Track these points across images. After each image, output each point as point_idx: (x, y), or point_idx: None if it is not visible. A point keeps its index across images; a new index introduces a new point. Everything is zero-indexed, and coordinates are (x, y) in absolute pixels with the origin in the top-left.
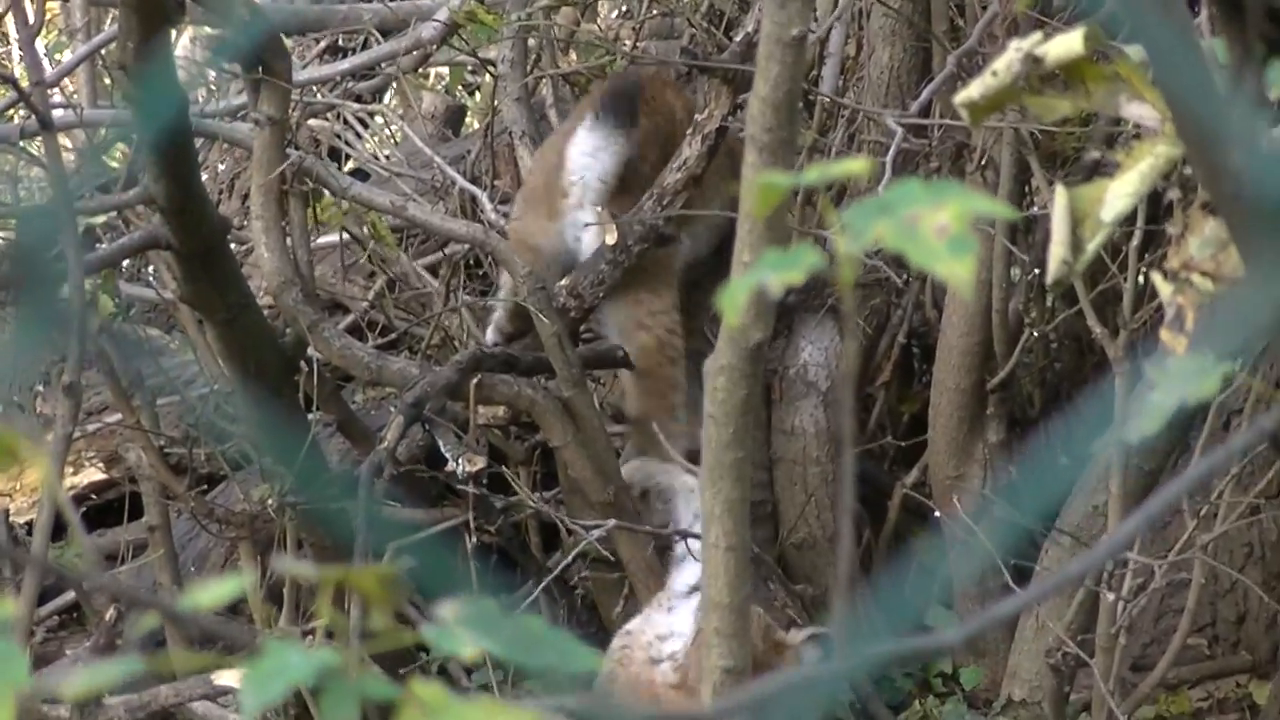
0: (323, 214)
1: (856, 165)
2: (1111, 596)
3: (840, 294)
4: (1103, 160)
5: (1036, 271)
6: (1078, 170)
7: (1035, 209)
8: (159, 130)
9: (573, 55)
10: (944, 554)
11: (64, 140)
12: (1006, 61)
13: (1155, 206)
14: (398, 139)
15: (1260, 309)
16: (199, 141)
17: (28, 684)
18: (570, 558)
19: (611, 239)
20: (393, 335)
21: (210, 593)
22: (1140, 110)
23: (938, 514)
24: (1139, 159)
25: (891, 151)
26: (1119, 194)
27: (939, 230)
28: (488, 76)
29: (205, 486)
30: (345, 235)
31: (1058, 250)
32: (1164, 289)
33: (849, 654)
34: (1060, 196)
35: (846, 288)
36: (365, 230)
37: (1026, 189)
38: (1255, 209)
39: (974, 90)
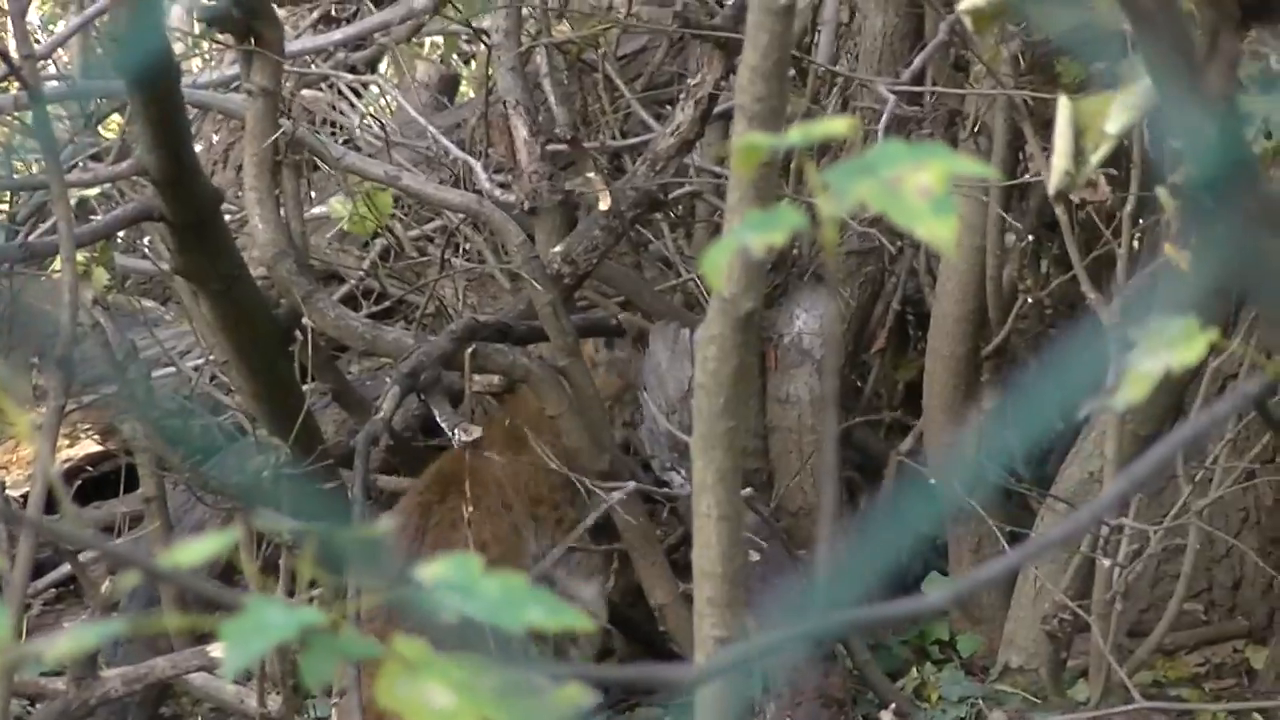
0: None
1: (839, 125)
2: (1107, 562)
3: (828, 256)
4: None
5: (1031, 238)
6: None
7: (1029, 175)
8: (141, 72)
9: (566, 24)
10: (938, 518)
11: (57, 111)
12: None
13: (1150, 174)
14: (392, 109)
15: (1193, 286)
16: (192, 113)
17: (11, 638)
18: (592, 519)
19: (605, 204)
20: (388, 303)
21: (194, 550)
22: None
23: (932, 481)
24: (1145, 74)
25: (884, 119)
26: (1124, 106)
27: (922, 191)
28: (483, 46)
29: (202, 458)
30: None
31: (1060, 161)
32: (1169, 203)
33: (824, 617)
34: (1063, 108)
35: (830, 248)
36: (361, 202)
37: (1020, 155)
38: (1188, 188)
39: None
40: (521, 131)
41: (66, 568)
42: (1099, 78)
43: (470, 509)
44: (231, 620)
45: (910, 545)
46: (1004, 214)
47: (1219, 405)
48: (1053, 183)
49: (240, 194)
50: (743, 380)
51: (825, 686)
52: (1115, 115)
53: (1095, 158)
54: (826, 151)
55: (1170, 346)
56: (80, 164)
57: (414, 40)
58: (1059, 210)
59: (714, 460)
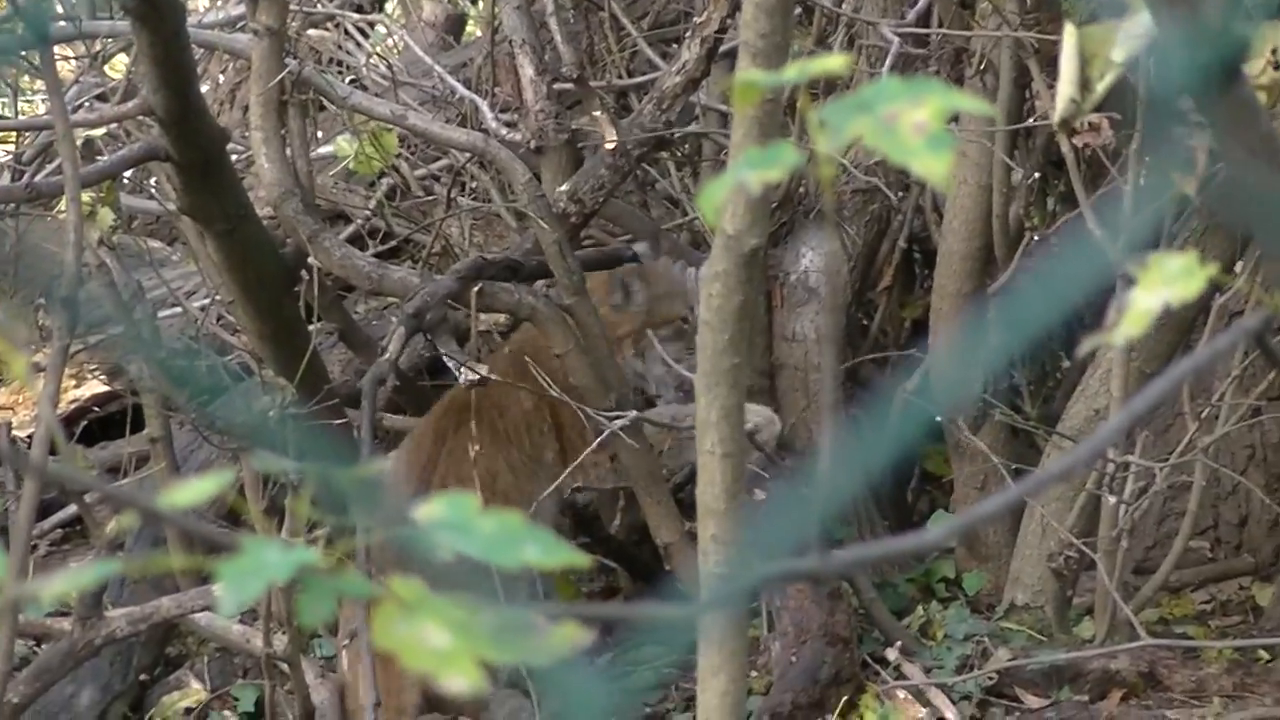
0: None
1: (835, 62)
2: (1113, 500)
3: (826, 194)
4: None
5: (1037, 175)
6: None
7: (1034, 116)
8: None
9: None
10: (932, 440)
11: (63, 50)
12: None
13: (1156, 110)
14: (398, 48)
15: (1155, 198)
16: (198, 52)
17: (14, 577)
18: (595, 443)
19: (612, 143)
20: (394, 243)
21: (193, 490)
22: None
23: (939, 419)
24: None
25: (888, 61)
26: (1130, 34)
27: (917, 127)
28: None
29: (207, 398)
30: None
31: (1065, 89)
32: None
33: (829, 554)
34: (1069, 35)
35: (827, 186)
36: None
37: (1026, 93)
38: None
39: None
40: (528, 70)
41: (73, 508)
42: (1106, 8)
43: (477, 445)
44: (229, 560)
45: (902, 466)
46: (1008, 152)
47: (1219, 340)
48: (1058, 111)
49: (246, 134)
50: (747, 317)
51: (830, 624)
52: (1121, 43)
53: (1101, 85)
54: (833, 91)
55: (1170, 282)
56: (86, 104)
57: None
58: (1065, 147)
59: (718, 397)
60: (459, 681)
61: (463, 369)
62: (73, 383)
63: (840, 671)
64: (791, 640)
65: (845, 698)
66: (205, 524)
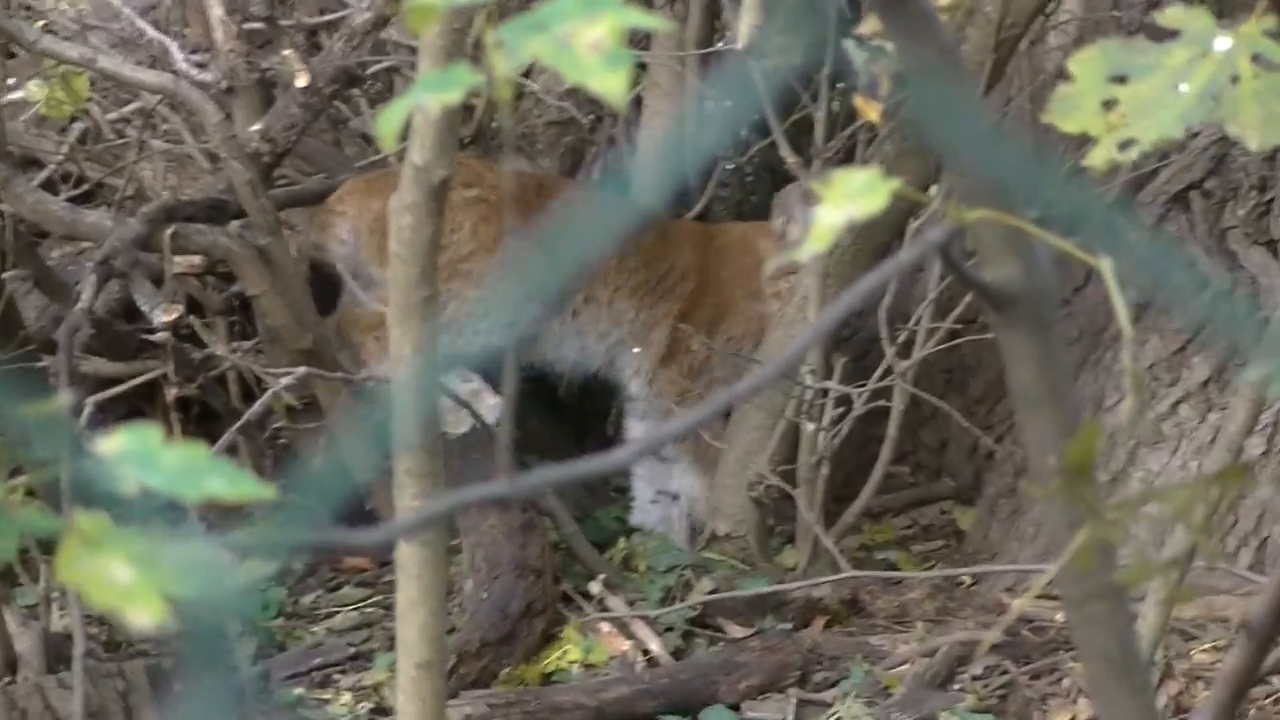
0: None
1: None
2: (811, 427)
3: (504, 115)
4: None
5: (729, 103)
6: None
7: (723, 43)
8: None
9: None
10: None
11: None
12: None
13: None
14: None
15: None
16: None
17: None
18: (260, 405)
19: (304, 81)
20: (87, 187)
21: None
22: None
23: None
24: None
25: None
26: None
27: (593, 45)
28: None
29: None
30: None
31: (748, 15)
32: (857, 56)
33: (512, 480)
34: None
35: (504, 107)
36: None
37: (715, 22)
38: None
39: None
40: (217, 10)
41: None
42: None
43: None
44: None
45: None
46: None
47: (903, 253)
48: (741, 36)
49: None
50: (437, 249)
51: (522, 557)
52: None
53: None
54: None
55: (854, 197)
56: None
57: None
58: (756, 74)
59: (410, 330)
60: (142, 616)
61: (155, 310)
62: None
63: (532, 604)
64: (484, 576)
65: (540, 630)
66: None
